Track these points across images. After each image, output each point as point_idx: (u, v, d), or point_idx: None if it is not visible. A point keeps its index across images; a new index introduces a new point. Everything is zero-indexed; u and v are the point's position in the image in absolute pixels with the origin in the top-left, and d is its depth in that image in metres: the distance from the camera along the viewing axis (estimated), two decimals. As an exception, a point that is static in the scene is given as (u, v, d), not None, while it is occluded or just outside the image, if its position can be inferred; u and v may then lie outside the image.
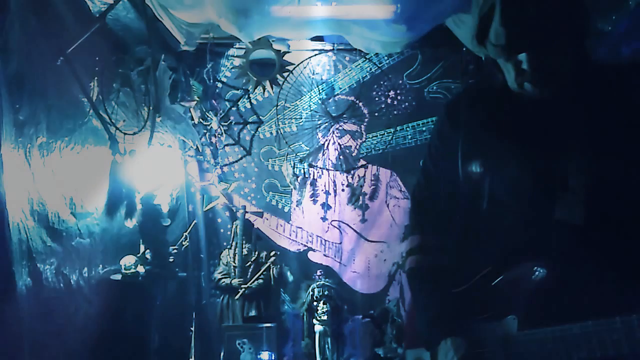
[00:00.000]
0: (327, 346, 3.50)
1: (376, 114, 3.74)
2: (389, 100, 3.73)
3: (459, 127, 1.41)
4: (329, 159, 3.78)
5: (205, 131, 3.71)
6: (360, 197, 3.75)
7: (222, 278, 3.60)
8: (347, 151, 3.78)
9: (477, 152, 1.37)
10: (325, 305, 3.53)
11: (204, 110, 3.69)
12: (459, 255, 1.44)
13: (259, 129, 3.78)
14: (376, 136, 3.76)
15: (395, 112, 3.73)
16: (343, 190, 3.77)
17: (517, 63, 1.23)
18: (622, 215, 1.21)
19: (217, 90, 3.73)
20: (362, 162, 3.77)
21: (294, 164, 3.77)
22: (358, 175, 3.76)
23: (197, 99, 3.57)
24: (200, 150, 3.71)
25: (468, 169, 1.38)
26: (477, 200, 1.36)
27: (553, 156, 1.26)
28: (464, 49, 3.32)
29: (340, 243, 3.78)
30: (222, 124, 3.71)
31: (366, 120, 3.76)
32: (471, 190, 1.37)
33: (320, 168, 3.78)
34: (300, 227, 3.81)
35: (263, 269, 3.59)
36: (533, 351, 1.21)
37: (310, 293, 3.61)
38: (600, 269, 1.19)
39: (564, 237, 1.24)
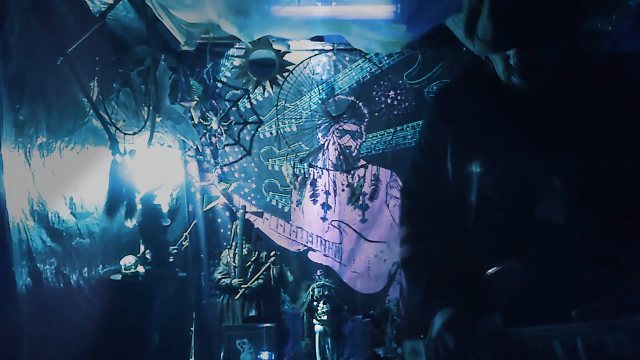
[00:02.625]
0: (327, 346, 3.50)
1: (376, 114, 3.74)
2: (389, 100, 3.73)
3: (448, 117, 1.41)
4: (329, 159, 3.78)
5: (205, 131, 3.71)
6: (360, 197, 3.75)
7: (222, 278, 3.60)
8: (347, 151, 3.78)
9: (467, 145, 1.37)
10: (325, 305, 3.53)
11: (204, 110, 3.69)
12: (450, 247, 1.43)
13: (259, 129, 3.78)
14: (376, 136, 3.76)
15: (395, 112, 3.73)
16: (343, 190, 3.77)
17: (505, 56, 1.23)
18: (609, 212, 1.20)
19: (217, 90, 3.73)
20: (362, 162, 3.77)
21: (294, 164, 3.77)
22: (358, 175, 3.76)
23: (197, 99, 3.57)
24: (200, 150, 3.71)
25: (457, 161, 1.38)
26: (466, 193, 1.36)
27: (540, 149, 1.26)
28: (464, 49, 3.32)
29: (340, 243, 3.78)
30: (222, 124, 3.71)
31: (366, 120, 3.76)
32: (460, 182, 1.37)
33: (320, 168, 3.78)
34: (300, 227, 3.81)
35: (263, 269, 3.59)
36: (514, 349, 1.21)
37: (310, 293, 3.61)
38: (582, 268, 1.19)
39: (547, 235, 1.24)
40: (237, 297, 3.54)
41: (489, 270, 1.31)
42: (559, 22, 1.17)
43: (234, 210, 3.75)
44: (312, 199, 3.79)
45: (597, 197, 1.20)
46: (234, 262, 3.61)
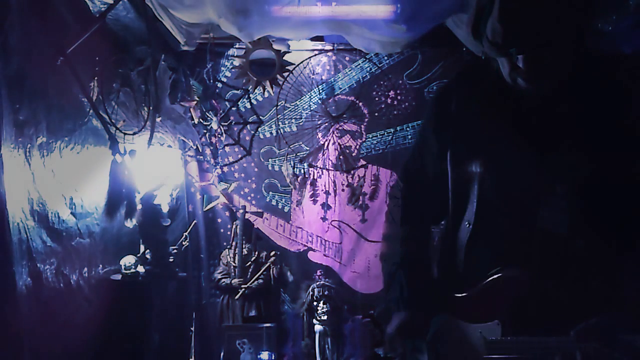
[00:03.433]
0: (327, 346, 3.50)
1: (376, 114, 3.74)
2: (389, 100, 3.73)
3: (448, 116, 1.40)
4: (329, 159, 3.78)
5: (205, 131, 3.71)
6: (360, 197, 3.75)
7: (222, 278, 3.60)
8: (347, 151, 3.77)
9: (466, 145, 1.36)
10: (325, 305, 3.53)
11: (204, 110, 3.68)
12: (448, 250, 1.43)
13: (259, 129, 3.78)
14: (376, 136, 3.76)
15: (395, 112, 3.73)
16: (343, 190, 3.77)
17: (512, 59, 1.22)
18: (613, 219, 1.20)
19: (217, 90, 3.73)
20: (362, 162, 3.77)
21: (294, 164, 3.77)
22: (358, 175, 3.76)
23: (197, 99, 3.57)
24: (200, 150, 3.70)
25: (457, 162, 1.37)
26: (467, 195, 1.35)
27: (541, 150, 1.25)
28: (464, 49, 3.32)
29: (340, 243, 3.78)
30: (222, 124, 3.71)
31: (366, 120, 3.76)
32: (460, 184, 1.36)
33: (320, 168, 3.78)
34: (300, 227, 3.81)
35: (263, 269, 3.58)
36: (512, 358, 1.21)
37: (310, 293, 3.61)
38: (583, 277, 1.19)
39: (549, 243, 1.23)
40: (237, 297, 3.54)
41: (490, 278, 1.30)
42: (568, 24, 1.16)
43: (234, 210, 3.75)
44: (312, 199, 3.79)
45: (600, 203, 1.19)
46: (234, 262, 3.60)
